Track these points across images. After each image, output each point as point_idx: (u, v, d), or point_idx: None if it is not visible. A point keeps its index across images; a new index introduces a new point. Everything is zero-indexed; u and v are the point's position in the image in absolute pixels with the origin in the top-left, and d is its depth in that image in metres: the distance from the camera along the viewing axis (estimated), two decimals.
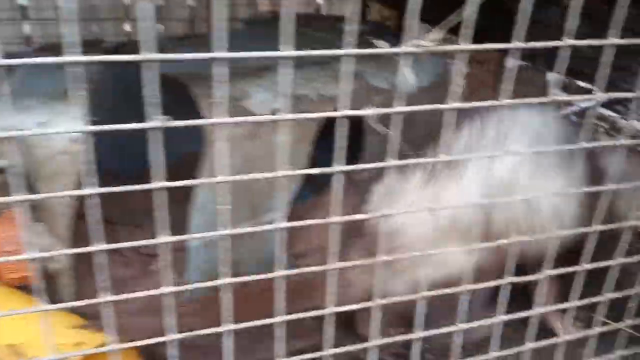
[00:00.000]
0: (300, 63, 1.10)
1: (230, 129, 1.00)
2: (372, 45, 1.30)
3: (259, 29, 1.56)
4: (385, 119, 1.07)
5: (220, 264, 0.56)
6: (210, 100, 1.03)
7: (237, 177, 0.54)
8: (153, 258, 1.38)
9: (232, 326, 0.59)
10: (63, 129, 0.89)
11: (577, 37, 0.55)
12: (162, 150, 0.48)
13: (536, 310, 0.72)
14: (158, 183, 0.50)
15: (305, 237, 1.26)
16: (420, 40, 1.03)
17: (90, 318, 0.88)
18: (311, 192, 1.30)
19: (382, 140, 1.16)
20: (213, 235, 0.56)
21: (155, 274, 1.30)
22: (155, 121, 0.48)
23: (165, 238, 0.53)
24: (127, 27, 2.12)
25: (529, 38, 0.53)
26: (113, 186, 0.50)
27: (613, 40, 0.59)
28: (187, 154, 1.26)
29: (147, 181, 0.50)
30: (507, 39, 0.54)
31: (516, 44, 0.54)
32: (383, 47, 1.31)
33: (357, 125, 1.17)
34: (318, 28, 1.45)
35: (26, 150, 0.89)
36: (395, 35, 1.57)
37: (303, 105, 1.08)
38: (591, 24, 0.77)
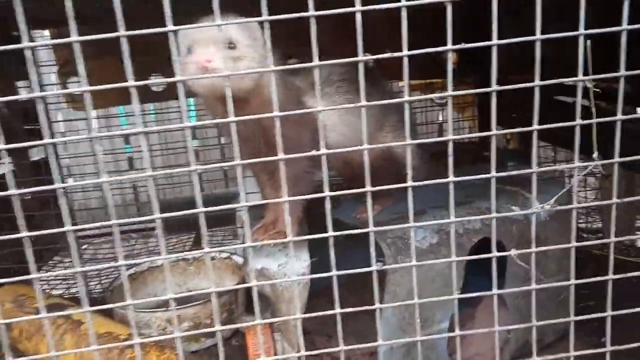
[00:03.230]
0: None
1: (403, 260, 1.39)
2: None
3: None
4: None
5: None
6: (388, 240, 1.45)
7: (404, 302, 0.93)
8: None
9: None
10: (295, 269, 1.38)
11: None
12: None
13: None
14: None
15: (467, 343, 1.54)
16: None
17: None
18: (466, 304, 1.63)
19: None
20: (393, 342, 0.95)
21: None
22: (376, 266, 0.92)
23: (345, 347, 0.93)
24: None
25: None
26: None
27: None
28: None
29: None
30: None
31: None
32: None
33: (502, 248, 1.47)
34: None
35: (271, 284, 1.39)
36: (520, 156, 1.84)
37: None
38: None
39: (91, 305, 2.34)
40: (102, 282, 2.41)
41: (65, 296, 2.42)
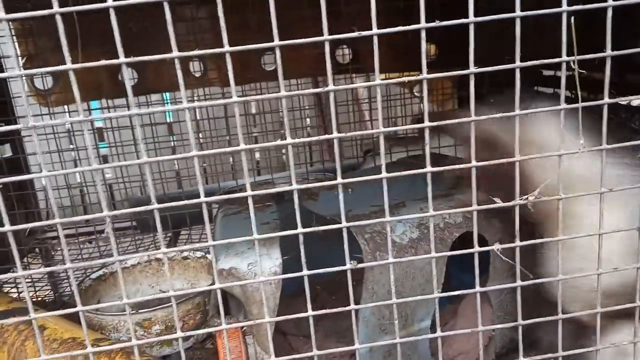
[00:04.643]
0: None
1: (382, 256, 1.32)
2: None
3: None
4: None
5: None
6: (366, 235, 1.38)
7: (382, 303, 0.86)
8: None
9: None
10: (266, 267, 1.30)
11: None
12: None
13: None
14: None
15: (450, 342, 1.48)
16: None
17: None
18: (448, 300, 1.56)
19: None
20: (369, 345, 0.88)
21: None
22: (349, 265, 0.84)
23: (318, 352, 0.86)
24: None
25: None
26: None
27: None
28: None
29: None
30: None
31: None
32: None
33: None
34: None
35: (241, 285, 1.31)
36: None
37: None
38: None
39: (60, 307, 2.23)
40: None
41: (33, 300, 2.32)
